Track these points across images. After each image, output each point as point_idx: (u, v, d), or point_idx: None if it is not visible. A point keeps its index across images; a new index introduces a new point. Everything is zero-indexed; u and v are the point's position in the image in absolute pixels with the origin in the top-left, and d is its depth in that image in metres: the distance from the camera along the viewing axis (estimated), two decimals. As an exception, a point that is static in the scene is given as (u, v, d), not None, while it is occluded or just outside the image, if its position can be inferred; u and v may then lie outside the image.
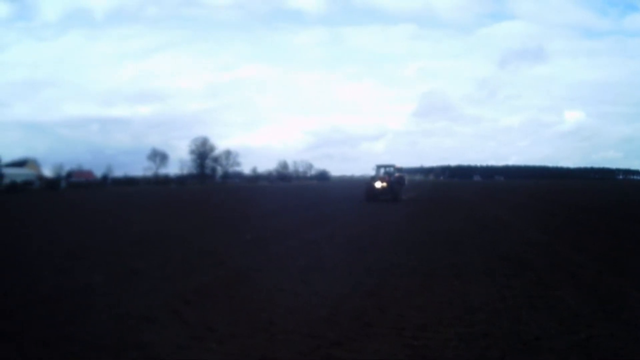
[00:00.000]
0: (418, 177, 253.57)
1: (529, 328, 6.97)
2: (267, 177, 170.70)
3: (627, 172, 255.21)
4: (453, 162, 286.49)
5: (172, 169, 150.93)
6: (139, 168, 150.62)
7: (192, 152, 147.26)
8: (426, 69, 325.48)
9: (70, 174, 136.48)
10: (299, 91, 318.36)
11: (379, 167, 44.45)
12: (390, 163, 45.08)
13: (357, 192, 52.89)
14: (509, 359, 5.90)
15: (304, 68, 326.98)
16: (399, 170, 46.18)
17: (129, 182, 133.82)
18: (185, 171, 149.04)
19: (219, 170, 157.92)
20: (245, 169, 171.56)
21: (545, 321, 7.27)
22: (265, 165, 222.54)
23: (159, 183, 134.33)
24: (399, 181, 44.02)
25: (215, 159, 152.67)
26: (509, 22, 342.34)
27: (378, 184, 40.62)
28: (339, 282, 10.22)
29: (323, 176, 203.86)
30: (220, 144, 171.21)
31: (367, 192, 41.58)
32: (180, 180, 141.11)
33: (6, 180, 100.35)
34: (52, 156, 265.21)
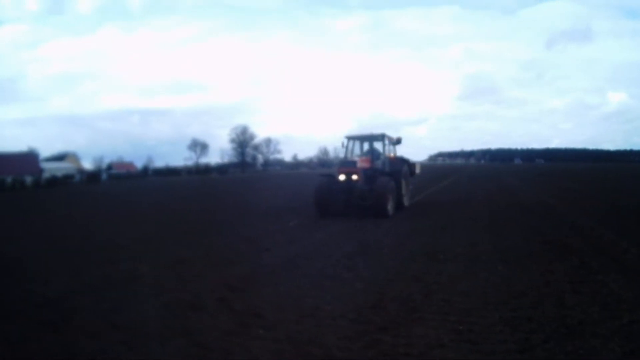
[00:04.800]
0: (459, 161, 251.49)
1: (573, 313, 6.97)
2: (308, 164, 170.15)
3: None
4: (494, 145, 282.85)
5: (213, 158, 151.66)
6: (180, 158, 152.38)
7: (232, 140, 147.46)
8: (470, 51, 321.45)
9: (110, 166, 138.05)
10: (340, 76, 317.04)
11: (351, 139, 23.13)
12: (380, 132, 22.77)
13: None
14: (552, 343, 5.93)
15: (346, 53, 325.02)
16: (395, 141, 23.68)
17: (170, 173, 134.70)
18: (226, 160, 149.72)
19: (260, 158, 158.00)
20: (286, 156, 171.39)
21: (589, 306, 7.27)
22: (306, 152, 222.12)
23: (200, 172, 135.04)
24: (398, 171, 22.16)
25: (256, 147, 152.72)
26: (552, 2, 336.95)
27: (343, 177, 19.97)
28: (384, 268, 10.31)
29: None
30: (261, 132, 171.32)
31: (317, 197, 20.36)
32: (221, 169, 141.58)
33: (46, 175, 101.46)
34: (92, 149, 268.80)
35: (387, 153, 22.92)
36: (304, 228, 16.72)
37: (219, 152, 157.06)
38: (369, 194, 19.34)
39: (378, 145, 23.28)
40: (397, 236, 14.34)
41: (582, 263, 10.06)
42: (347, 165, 20.60)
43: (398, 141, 23.75)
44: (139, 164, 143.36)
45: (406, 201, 23.40)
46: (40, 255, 13.57)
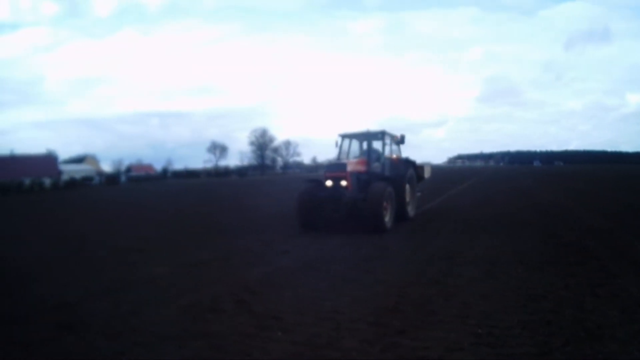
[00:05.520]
0: (478, 163, 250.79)
1: (592, 316, 6.95)
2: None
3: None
4: (513, 147, 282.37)
5: (232, 161, 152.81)
6: (199, 161, 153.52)
7: (251, 143, 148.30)
8: (489, 52, 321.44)
9: (129, 169, 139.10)
10: (359, 79, 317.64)
11: (346, 137, 20.00)
12: (380, 129, 19.41)
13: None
14: (571, 347, 5.93)
15: (364, 56, 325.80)
16: (398, 141, 20.61)
17: (190, 175, 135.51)
18: (246, 162, 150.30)
19: (279, 161, 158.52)
20: (305, 158, 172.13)
21: (608, 310, 7.23)
22: (325, 154, 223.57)
23: (220, 175, 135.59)
24: (401, 175, 19.17)
25: (275, 150, 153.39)
26: (571, 3, 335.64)
27: (330, 183, 17.12)
28: (403, 271, 10.31)
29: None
30: (280, 135, 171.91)
31: (299, 206, 17.45)
32: (241, 171, 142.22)
33: (65, 177, 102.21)
34: (112, 152, 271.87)
35: (388, 154, 19.54)
36: (323, 230, 16.76)
37: (238, 154, 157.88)
38: (361, 203, 16.41)
39: (377, 145, 19.78)
40: (414, 239, 14.38)
41: (601, 266, 10.02)
42: (335, 168, 17.62)
43: (401, 140, 20.48)
44: (158, 167, 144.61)
45: (411, 211, 19.95)
46: (57, 257, 13.79)
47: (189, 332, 7.00)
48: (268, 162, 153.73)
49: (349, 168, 17.14)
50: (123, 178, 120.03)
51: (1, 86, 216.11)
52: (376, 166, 18.86)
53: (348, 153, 19.87)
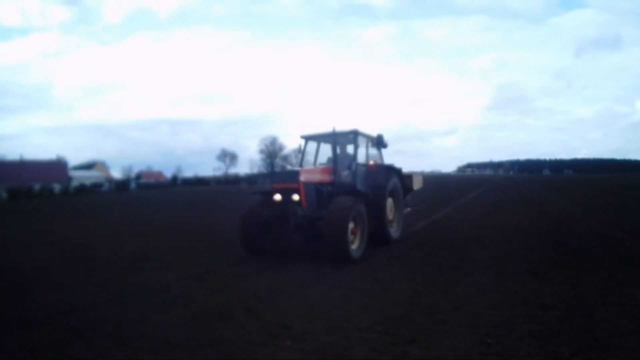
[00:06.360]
0: (488, 172, 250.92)
1: (602, 325, 6.94)
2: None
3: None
4: (522, 156, 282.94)
5: (242, 169, 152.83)
6: (209, 168, 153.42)
7: (261, 151, 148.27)
8: (499, 60, 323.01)
9: (139, 176, 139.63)
10: (369, 87, 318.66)
11: (310, 140, 16.65)
12: (351, 128, 15.24)
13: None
14: (581, 356, 5.92)
15: (375, 63, 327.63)
16: (376, 142, 16.40)
17: (199, 182, 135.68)
18: (255, 170, 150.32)
19: (289, 169, 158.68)
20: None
21: (617, 318, 7.23)
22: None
23: (229, 182, 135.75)
24: (380, 186, 15.46)
25: (285, 158, 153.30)
26: (580, 10, 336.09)
27: (279, 197, 13.45)
28: (412, 280, 10.31)
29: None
30: (290, 142, 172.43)
31: (242, 226, 13.89)
32: (250, 179, 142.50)
33: (74, 183, 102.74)
34: (122, 158, 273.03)
35: (364, 159, 15.79)
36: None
37: (248, 162, 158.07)
38: (322, 223, 12.65)
39: (349, 149, 16.15)
40: (423, 249, 14.31)
41: (610, 275, 10.01)
42: (284, 178, 13.96)
43: (379, 141, 16.26)
44: (168, 174, 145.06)
45: (395, 232, 16.38)
46: (66, 263, 13.84)
47: (198, 339, 7.03)
48: (278, 169, 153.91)
49: (303, 177, 13.41)
50: (133, 185, 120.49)
51: (11, 91, 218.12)
52: (346, 175, 15.07)
53: (315, 159, 16.70)
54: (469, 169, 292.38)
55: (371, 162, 16.03)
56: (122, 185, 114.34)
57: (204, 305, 8.89)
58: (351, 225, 12.64)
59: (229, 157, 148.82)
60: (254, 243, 13.75)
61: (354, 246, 12.79)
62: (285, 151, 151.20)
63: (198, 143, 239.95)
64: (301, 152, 16.43)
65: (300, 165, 16.09)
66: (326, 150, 16.31)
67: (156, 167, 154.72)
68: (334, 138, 14.84)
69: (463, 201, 35.36)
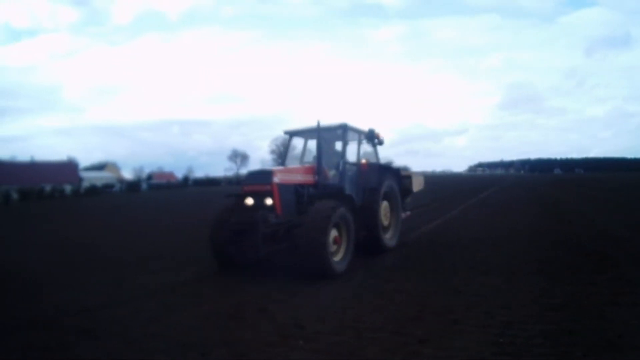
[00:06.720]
0: (499, 171, 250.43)
1: (613, 326, 6.93)
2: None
3: None
4: (533, 155, 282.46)
5: (253, 169, 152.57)
6: (220, 169, 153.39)
7: (272, 151, 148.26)
8: (509, 60, 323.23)
9: (150, 176, 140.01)
10: (379, 87, 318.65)
11: (295, 135, 15.45)
12: (339, 122, 13.63)
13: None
14: (593, 356, 5.93)
15: (385, 63, 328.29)
16: (367, 137, 14.72)
17: (210, 183, 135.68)
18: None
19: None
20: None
21: (629, 319, 7.22)
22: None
23: (240, 183, 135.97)
24: (372, 189, 13.79)
25: (296, 158, 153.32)
26: (591, 9, 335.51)
27: (251, 201, 11.76)
28: (424, 280, 10.33)
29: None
30: (299, 144, 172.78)
31: (212, 238, 11.99)
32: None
33: (85, 184, 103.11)
34: (132, 159, 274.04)
35: (355, 157, 14.17)
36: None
37: (259, 163, 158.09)
38: (296, 232, 10.84)
39: (339, 146, 14.49)
40: (435, 250, 14.24)
41: (621, 275, 9.98)
42: (255, 178, 12.07)
43: (371, 137, 14.59)
44: (179, 175, 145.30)
45: (391, 239, 14.63)
46: (77, 264, 13.96)
47: (211, 340, 7.05)
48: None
49: (278, 178, 11.70)
50: (144, 186, 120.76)
51: (21, 93, 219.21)
52: (333, 175, 13.58)
53: (302, 158, 15.21)
54: (479, 169, 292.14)
55: (363, 161, 14.28)
56: (133, 186, 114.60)
57: (216, 305, 8.96)
58: (334, 233, 11.08)
59: (240, 157, 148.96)
60: (224, 254, 11.99)
61: (337, 257, 11.13)
62: (296, 151, 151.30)
63: (209, 144, 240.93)
64: (284, 148, 15.02)
65: (283, 164, 14.78)
66: (314, 148, 13.56)
67: (167, 168, 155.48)
68: (319, 133, 12.80)
69: (474, 201, 35.29)
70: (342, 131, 13.70)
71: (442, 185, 69.33)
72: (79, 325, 7.96)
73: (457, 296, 8.90)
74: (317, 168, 12.81)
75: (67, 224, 29.29)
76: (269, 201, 11.45)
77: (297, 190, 12.17)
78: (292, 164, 14.44)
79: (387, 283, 10.19)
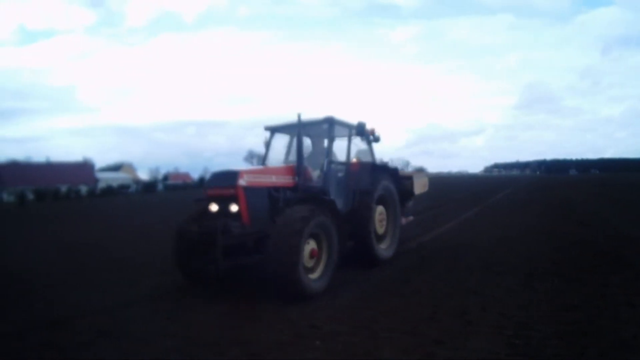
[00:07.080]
0: (515, 172, 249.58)
1: (628, 326, 6.94)
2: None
3: None
4: (549, 156, 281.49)
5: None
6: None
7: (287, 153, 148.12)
8: (525, 59, 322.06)
9: (166, 177, 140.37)
10: (396, 87, 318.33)
11: (277, 131, 13.14)
12: (325, 116, 11.75)
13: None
14: (608, 357, 5.95)
15: (400, 63, 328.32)
16: (356, 131, 12.21)
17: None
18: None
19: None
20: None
21: (644, 319, 7.20)
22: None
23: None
24: (365, 192, 11.95)
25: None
26: (607, 8, 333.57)
27: (215, 207, 10.07)
28: (440, 281, 10.33)
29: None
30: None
31: (176, 248, 10.22)
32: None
33: (101, 185, 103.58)
34: (148, 160, 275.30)
35: (344, 156, 12.46)
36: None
37: (276, 164, 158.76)
38: (261, 242, 9.44)
39: (320, 142, 13.24)
40: (450, 250, 14.23)
41: (637, 276, 9.96)
42: (218, 180, 10.48)
43: (361, 131, 12.34)
44: (195, 175, 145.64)
45: (387, 250, 12.97)
46: (94, 264, 14.09)
47: (227, 339, 7.10)
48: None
49: (245, 180, 10.04)
50: (160, 186, 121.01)
51: (37, 94, 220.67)
52: (317, 177, 11.87)
53: (287, 157, 13.31)
54: (495, 170, 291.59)
55: (353, 160, 12.73)
56: (149, 187, 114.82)
57: (232, 305, 9.06)
58: (311, 244, 9.46)
59: (256, 158, 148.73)
60: (187, 266, 10.23)
61: (314, 275, 9.57)
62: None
63: (225, 144, 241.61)
64: (267, 146, 13.02)
65: (263, 163, 12.85)
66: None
67: (183, 169, 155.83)
68: (300, 128, 10.99)
69: (490, 202, 35.15)
70: (328, 126, 11.78)
71: (459, 186, 69.16)
72: (96, 325, 8.04)
73: (472, 297, 8.91)
74: (297, 168, 11.00)
75: (81, 225, 29.36)
76: (233, 207, 9.87)
77: (271, 194, 10.52)
78: (277, 164, 12.59)
79: (402, 284, 10.21)
